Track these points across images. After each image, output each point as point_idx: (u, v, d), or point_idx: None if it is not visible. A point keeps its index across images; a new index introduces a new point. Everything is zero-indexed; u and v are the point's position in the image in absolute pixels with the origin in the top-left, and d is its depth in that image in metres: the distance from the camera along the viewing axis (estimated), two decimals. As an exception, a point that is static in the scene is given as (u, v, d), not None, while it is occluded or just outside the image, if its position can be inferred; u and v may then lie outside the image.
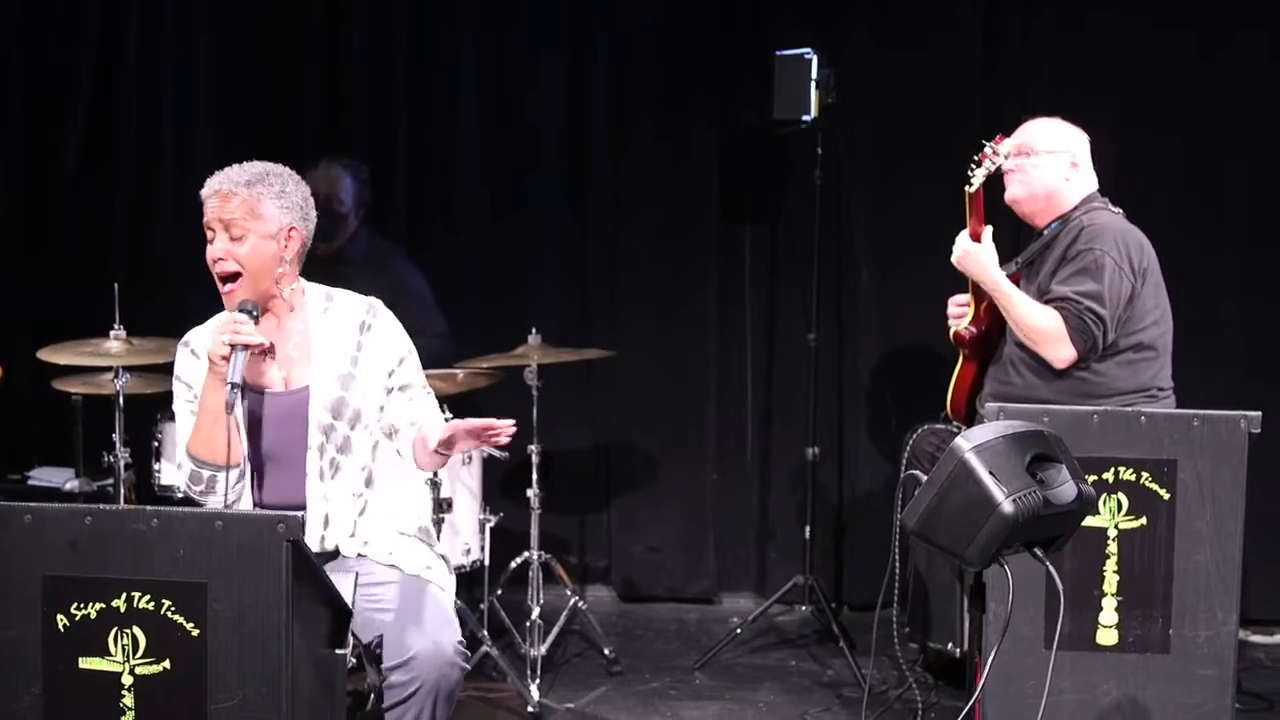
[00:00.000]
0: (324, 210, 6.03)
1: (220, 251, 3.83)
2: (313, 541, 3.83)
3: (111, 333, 5.38)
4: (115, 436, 5.48)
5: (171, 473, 5.67)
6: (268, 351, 3.90)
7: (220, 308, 3.96)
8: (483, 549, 5.83)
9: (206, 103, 6.92)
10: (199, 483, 3.84)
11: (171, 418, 4.34)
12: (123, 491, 5.55)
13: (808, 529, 6.40)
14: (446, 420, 3.89)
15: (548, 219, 6.94)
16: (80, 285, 6.63)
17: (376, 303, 4.06)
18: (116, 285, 5.36)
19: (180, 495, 5.68)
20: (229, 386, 3.68)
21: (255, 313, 3.81)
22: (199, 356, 3.92)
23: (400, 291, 6.15)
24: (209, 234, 3.85)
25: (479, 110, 6.93)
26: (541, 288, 6.87)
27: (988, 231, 5.06)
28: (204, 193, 3.87)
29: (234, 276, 3.84)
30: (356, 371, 3.95)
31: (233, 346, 3.72)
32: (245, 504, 3.89)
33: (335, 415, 3.91)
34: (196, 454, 3.82)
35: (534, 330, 5.83)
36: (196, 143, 6.85)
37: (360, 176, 6.26)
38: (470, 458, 5.85)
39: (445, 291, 6.41)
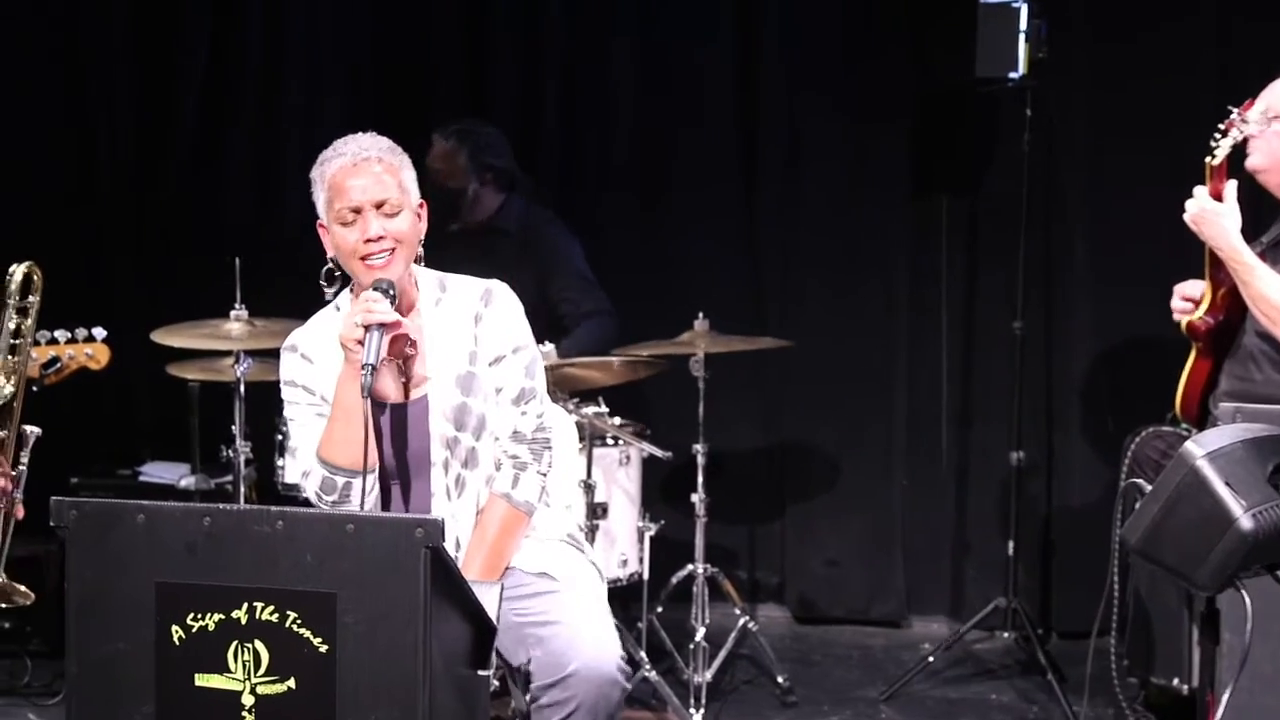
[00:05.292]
0: (432, 185, 6.13)
1: (379, 229, 3.80)
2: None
3: (232, 313, 5.46)
4: (235, 428, 5.56)
5: (296, 470, 5.74)
6: (407, 349, 3.89)
7: (323, 304, 4.02)
8: (641, 561, 5.84)
9: (334, 64, 7.03)
10: (331, 491, 3.86)
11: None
12: (243, 490, 5.63)
13: (1011, 544, 6.34)
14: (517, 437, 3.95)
15: (716, 192, 6.94)
16: (198, 260, 6.73)
17: (495, 286, 4.00)
18: (238, 260, 5.43)
19: (305, 495, 5.78)
20: (364, 368, 3.67)
21: (391, 292, 3.80)
22: (311, 360, 3.94)
23: (557, 266, 6.20)
24: (350, 217, 3.81)
25: (638, 73, 6.96)
26: (709, 269, 6.86)
27: (1230, 188, 4.90)
28: (336, 166, 3.83)
29: (389, 252, 3.85)
30: (476, 370, 3.94)
31: (366, 328, 3.73)
32: None
33: (458, 425, 3.90)
34: (329, 459, 3.84)
35: (701, 316, 5.84)
36: (324, 107, 6.96)
37: (474, 142, 6.26)
38: (628, 457, 5.86)
39: (602, 273, 6.42)
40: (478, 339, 3.94)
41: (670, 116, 6.95)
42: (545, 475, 3.98)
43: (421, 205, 3.94)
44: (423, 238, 3.94)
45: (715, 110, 6.93)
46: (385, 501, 3.92)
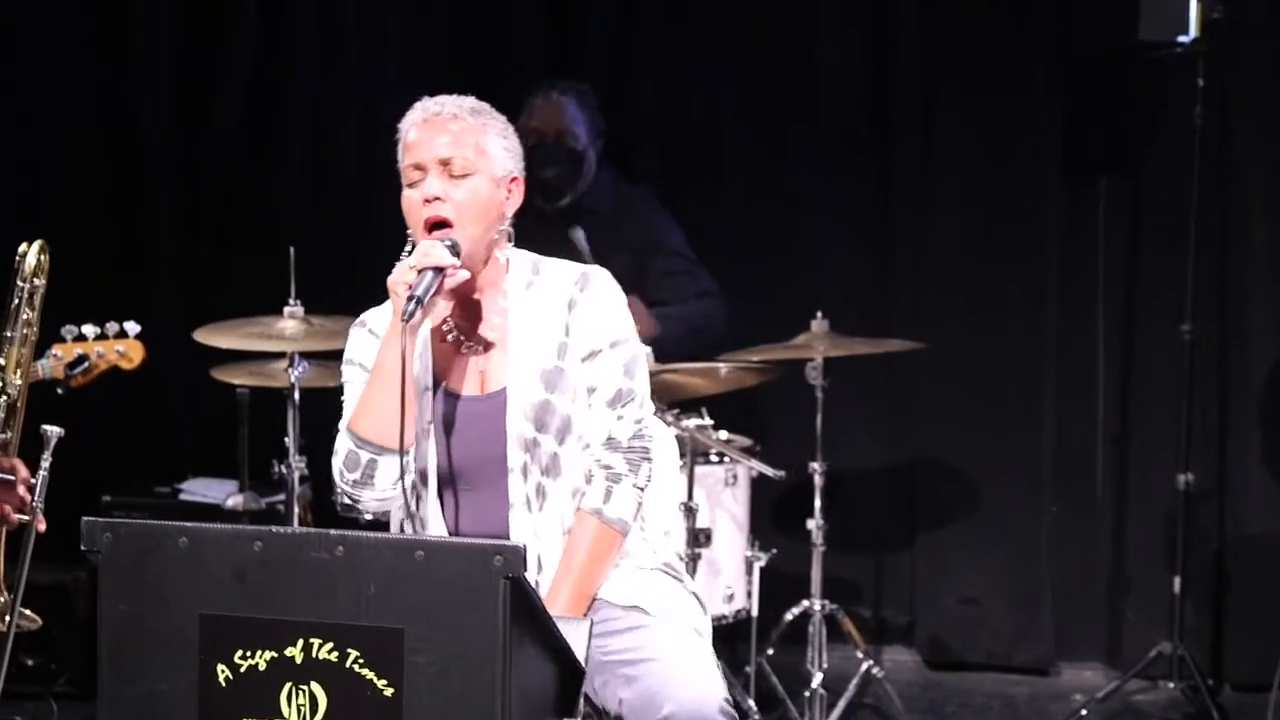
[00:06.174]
0: (556, 147, 6.17)
1: (438, 189, 3.80)
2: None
3: (286, 309, 5.47)
4: (288, 440, 5.58)
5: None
6: (465, 331, 3.89)
7: None
8: (750, 595, 5.84)
9: (398, 36, 7.09)
10: (354, 469, 3.82)
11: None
12: (297, 511, 5.65)
13: (1177, 581, 6.30)
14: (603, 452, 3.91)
15: (838, 174, 6.94)
16: (248, 251, 6.77)
17: (594, 272, 3.97)
18: (293, 250, 5.45)
19: (368, 517, 5.78)
20: (410, 300, 3.64)
21: (456, 249, 3.77)
22: (380, 337, 3.93)
23: (654, 246, 6.20)
24: (415, 175, 3.83)
25: (749, 37, 6.97)
26: (829, 262, 6.87)
27: None
28: (409, 122, 3.87)
29: (443, 227, 3.83)
30: (565, 365, 3.91)
31: (420, 271, 3.70)
32: (424, 522, 3.90)
33: (539, 426, 3.87)
34: (356, 429, 3.81)
35: (819, 315, 5.83)
36: (387, 74, 6.99)
37: (589, 103, 6.36)
38: (735, 477, 5.84)
39: (703, 262, 6.42)
40: (569, 329, 3.91)
41: (785, 90, 6.94)
42: (643, 490, 3.95)
43: (513, 180, 3.91)
44: (509, 215, 3.92)
45: (838, 83, 6.91)
46: (455, 516, 3.90)
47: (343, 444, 3.84)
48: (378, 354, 3.81)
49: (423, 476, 3.86)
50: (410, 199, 3.84)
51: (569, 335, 3.91)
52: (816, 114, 6.92)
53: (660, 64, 7.00)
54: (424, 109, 3.87)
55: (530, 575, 3.79)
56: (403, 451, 3.71)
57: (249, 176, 7.08)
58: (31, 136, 6.96)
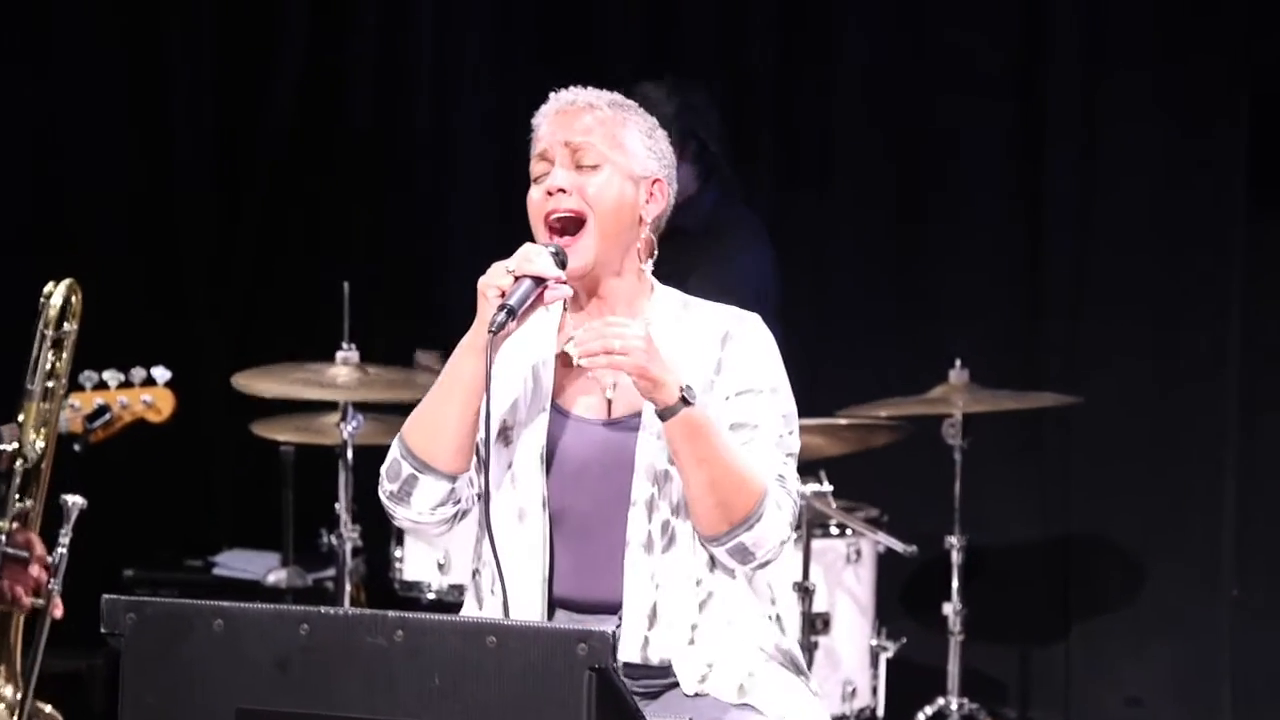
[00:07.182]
0: None
1: (564, 180, 3.81)
2: (632, 647, 3.79)
3: (338, 354, 5.49)
4: (339, 506, 5.59)
5: (419, 563, 5.76)
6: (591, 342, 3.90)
7: None
8: (875, 691, 5.83)
9: (478, 22, 7.12)
10: (394, 479, 3.82)
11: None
12: (349, 588, 5.66)
13: (1384, 679, 6.26)
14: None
15: (981, 200, 6.95)
16: (296, 285, 6.81)
17: (753, 316, 3.99)
18: (347, 286, 5.47)
19: (431, 596, 5.79)
20: (502, 309, 3.65)
21: (561, 257, 3.78)
22: None
23: (733, 280, 6.10)
24: (540, 168, 3.85)
25: (877, 36, 7.00)
26: (970, 301, 6.87)
27: None
28: (542, 114, 3.90)
29: (574, 225, 3.85)
30: (712, 399, 3.92)
31: (518, 277, 3.71)
32: (468, 548, 3.90)
33: (673, 459, 3.88)
34: (407, 438, 3.82)
35: (958, 364, 5.85)
36: (463, 78, 7.02)
37: (685, 97, 6.30)
38: (858, 552, 5.83)
39: (823, 301, 6.42)
40: (722, 364, 3.89)
41: (923, 101, 6.95)
42: (783, 546, 3.89)
43: (655, 182, 3.91)
44: (648, 221, 3.90)
45: (985, 95, 6.92)
46: (554, 553, 3.88)
47: (392, 449, 3.86)
48: (450, 360, 3.81)
49: (519, 514, 3.86)
50: (533, 197, 3.85)
51: (720, 372, 3.90)
52: (961, 135, 6.92)
53: (774, 72, 7.02)
54: (558, 99, 3.89)
55: (639, 630, 3.79)
56: (488, 482, 3.76)
57: (297, 199, 7.13)
58: (54, 149, 7.01)
